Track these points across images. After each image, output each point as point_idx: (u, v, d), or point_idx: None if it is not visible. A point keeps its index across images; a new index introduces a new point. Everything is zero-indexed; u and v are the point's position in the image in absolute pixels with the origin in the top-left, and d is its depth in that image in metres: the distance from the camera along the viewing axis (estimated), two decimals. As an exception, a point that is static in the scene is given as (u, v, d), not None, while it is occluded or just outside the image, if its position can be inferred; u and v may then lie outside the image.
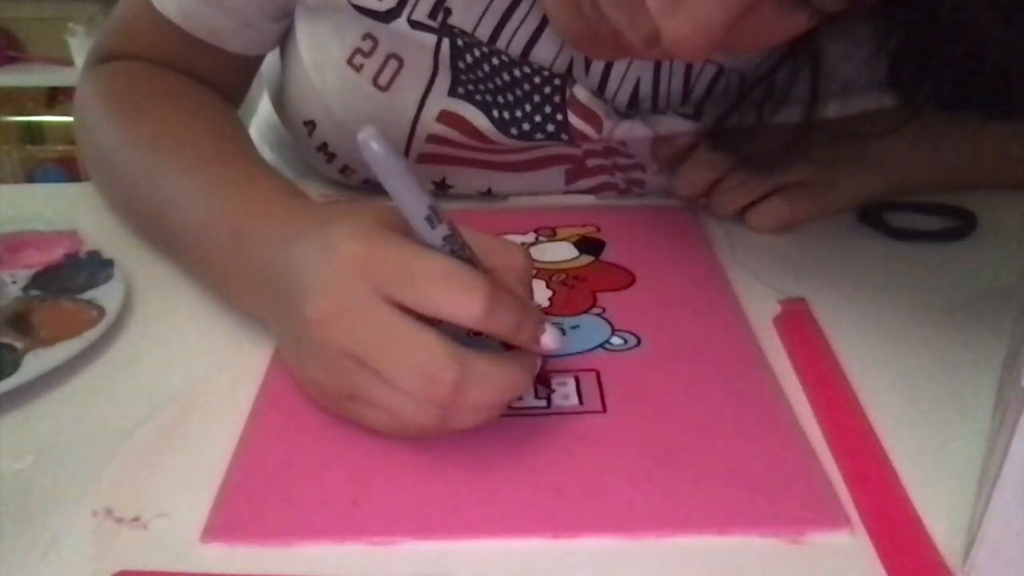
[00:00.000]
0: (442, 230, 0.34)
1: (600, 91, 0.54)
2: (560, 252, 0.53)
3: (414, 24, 0.52)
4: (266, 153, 0.79)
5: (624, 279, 0.50)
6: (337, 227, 0.36)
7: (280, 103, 0.63)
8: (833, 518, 0.33)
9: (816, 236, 0.55)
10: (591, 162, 0.59)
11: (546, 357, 0.42)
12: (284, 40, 0.59)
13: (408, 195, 0.33)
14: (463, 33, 0.52)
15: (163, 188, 0.48)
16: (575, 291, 0.48)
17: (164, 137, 0.51)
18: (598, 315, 0.46)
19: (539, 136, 0.55)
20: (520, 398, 0.39)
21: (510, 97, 0.54)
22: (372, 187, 0.59)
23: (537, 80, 0.53)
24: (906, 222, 0.55)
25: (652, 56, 0.40)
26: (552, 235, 0.55)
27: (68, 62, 1.96)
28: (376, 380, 0.34)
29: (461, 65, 0.53)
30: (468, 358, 0.33)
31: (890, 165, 0.57)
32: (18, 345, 0.41)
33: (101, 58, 0.58)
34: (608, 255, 0.52)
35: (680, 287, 0.49)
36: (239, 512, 0.33)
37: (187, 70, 0.57)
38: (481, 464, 0.35)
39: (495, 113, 0.54)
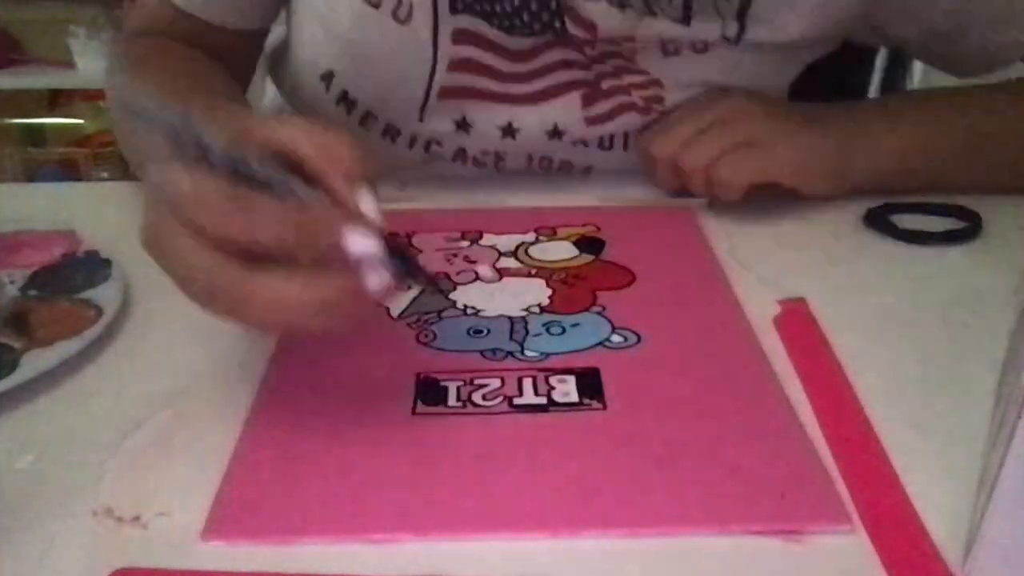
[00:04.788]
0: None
1: None
2: (560, 251, 0.53)
3: None
4: None
5: (624, 278, 0.50)
6: None
7: (290, 71, 0.66)
8: (833, 517, 0.33)
9: (816, 236, 0.55)
10: (606, 84, 0.59)
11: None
12: (288, 5, 0.64)
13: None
14: None
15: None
16: (575, 290, 0.48)
17: (159, 78, 0.56)
18: (598, 313, 0.46)
19: (536, 26, 0.56)
20: (520, 394, 0.39)
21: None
22: (394, 133, 0.63)
23: None
24: (911, 224, 0.55)
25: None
26: (552, 234, 0.55)
27: (69, 64, 1.96)
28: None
29: None
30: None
31: (890, 148, 0.58)
32: (16, 345, 0.41)
33: (129, 34, 0.66)
34: (608, 254, 0.52)
35: (680, 286, 0.49)
36: (239, 510, 0.33)
37: (199, 46, 0.62)
38: (481, 463, 0.35)
39: (495, 21, 0.56)
